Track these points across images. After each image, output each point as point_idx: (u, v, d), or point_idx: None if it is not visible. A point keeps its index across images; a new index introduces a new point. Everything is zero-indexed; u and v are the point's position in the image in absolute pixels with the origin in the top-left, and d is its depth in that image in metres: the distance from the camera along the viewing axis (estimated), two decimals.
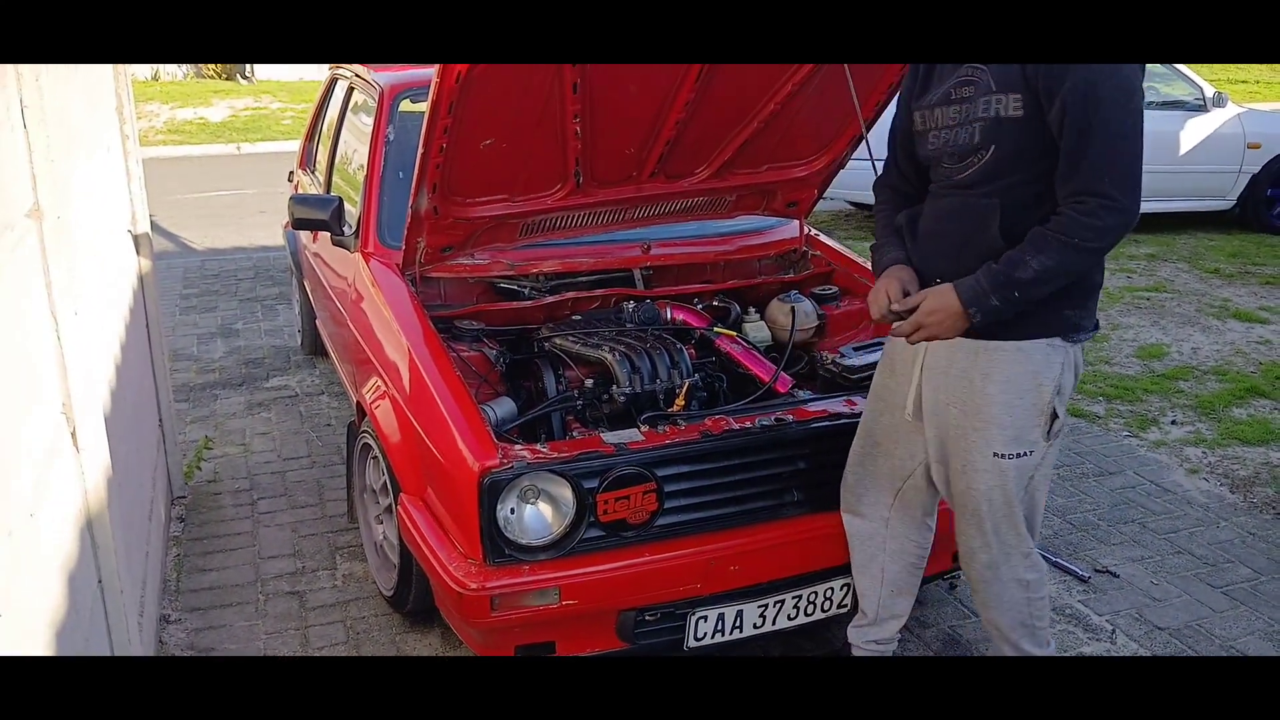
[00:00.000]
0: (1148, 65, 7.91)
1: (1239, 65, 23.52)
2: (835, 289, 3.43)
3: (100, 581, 1.96)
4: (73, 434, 1.84)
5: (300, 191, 4.97)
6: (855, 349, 3.02)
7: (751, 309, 3.31)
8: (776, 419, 2.58)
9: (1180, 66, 8.10)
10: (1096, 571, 3.35)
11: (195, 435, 4.31)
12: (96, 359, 2.15)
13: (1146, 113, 7.33)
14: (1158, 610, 3.15)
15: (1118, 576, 3.33)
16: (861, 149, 3.07)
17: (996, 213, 2.12)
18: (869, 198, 7.72)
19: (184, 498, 3.78)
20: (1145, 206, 7.53)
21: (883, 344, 3.02)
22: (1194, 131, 7.77)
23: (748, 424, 2.54)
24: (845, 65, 2.66)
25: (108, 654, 1.99)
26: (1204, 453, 4.25)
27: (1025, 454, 2.22)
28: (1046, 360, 2.18)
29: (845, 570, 2.64)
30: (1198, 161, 7.81)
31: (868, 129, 3.01)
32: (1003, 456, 2.20)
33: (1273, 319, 6.01)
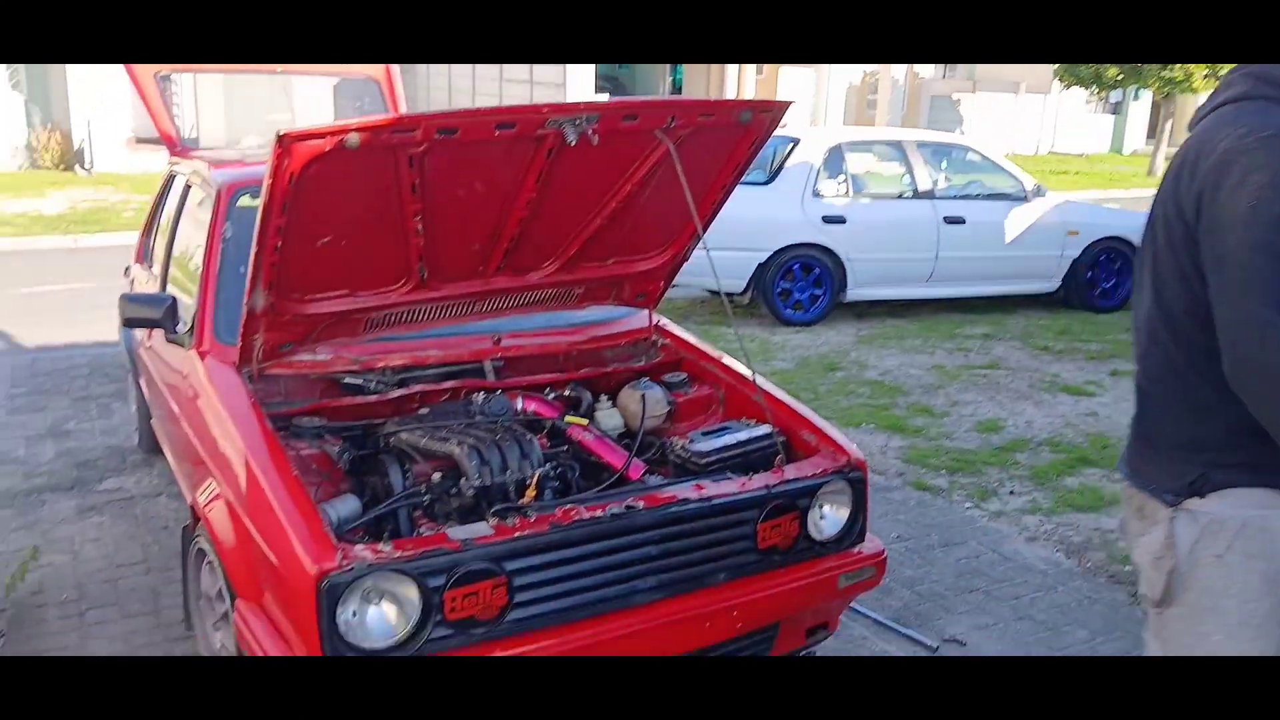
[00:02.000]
0: (971, 158, 8.34)
1: (1060, 157, 25.41)
2: (684, 375, 3.50)
3: None
4: None
5: (136, 288, 4.79)
6: (704, 434, 3.08)
7: (603, 397, 3.33)
8: (627, 506, 2.58)
9: (1003, 161, 8.69)
10: (944, 641, 3.45)
11: (20, 544, 4.03)
12: None
13: (974, 203, 7.80)
14: None
15: (964, 644, 3.43)
16: (708, 235, 3.18)
17: None
18: (724, 284, 7.75)
19: (4, 610, 3.51)
20: (979, 289, 7.96)
21: (729, 429, 3.09)
22: (1019, 220, 8.32)
23: (597, 512, 2.54)
24: (679, 168, 2.76)
25: None
26: (1041, 520, 4.47)
27: None
28: None
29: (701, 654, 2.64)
30: (1024, 247, 8.36)
31: (705, 228, 3.13)
32: None
33: (1099, 392, 6.41)
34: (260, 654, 2.36)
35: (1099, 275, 8.66)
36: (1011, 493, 4.76)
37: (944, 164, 8.75)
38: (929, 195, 8.18)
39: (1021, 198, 8.42)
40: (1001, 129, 25.89)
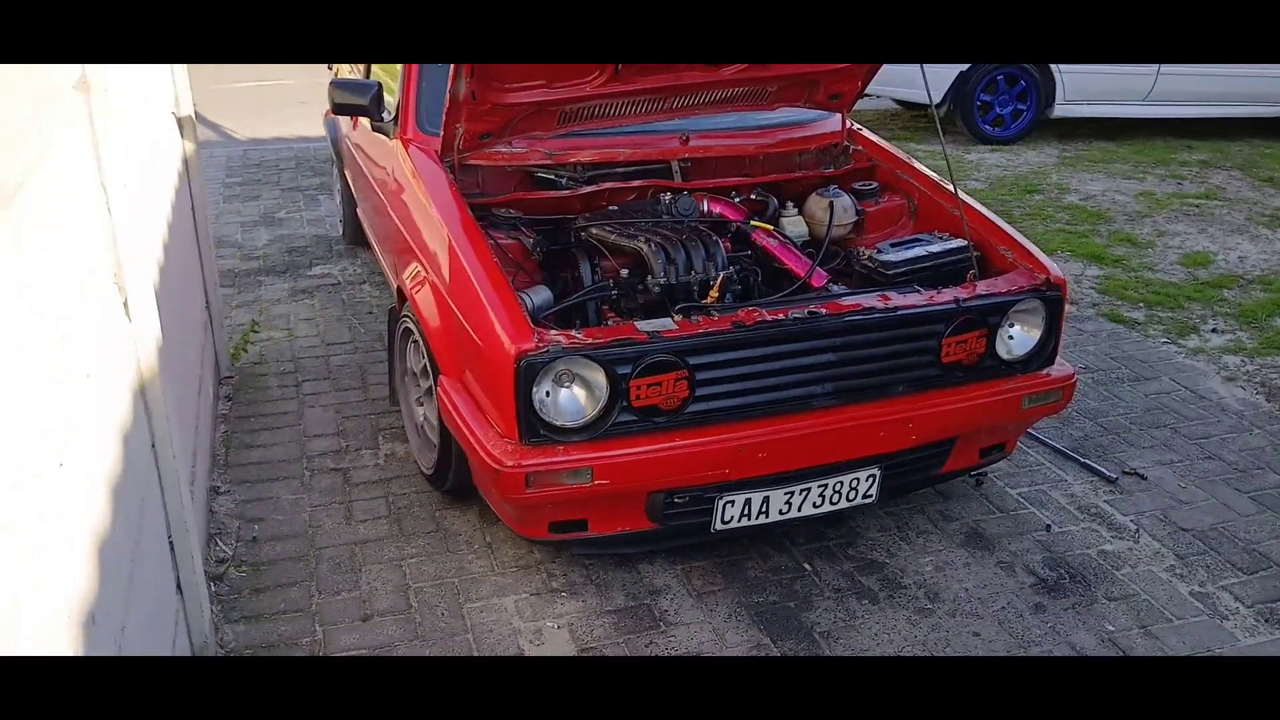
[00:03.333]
0: None
1: None
2: (875, 185, 3.40)
3: (154, 446, 2.05)
4: (124, 304, 1.91)
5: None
6: (893, 245, 3.02)
7: (789, 203, 3.30)
8: (809, 312, 2.60)
9: None
10: (1124, 473, 3.38)
11: (241, 319, 4.41)
12: (145, 234, 2.21)
13: None
14: (1183, 512, 3.18)
15: (1145, 479, 3.35)
16: None
17: None
18: (919, 95, 7.40)
19: (231, 378, 3.90)
20: (1201, 111, 7.31)
21: (920, 240, 3.02)
22: None
23: (780, 316, 2.57)
24: None
25: (161, 514, 2.09)
26: (1243, 361, 4.22)
27: None
28: None
29: (870, 462, 2.69)
30: (1260, 65, 7.53)
31: None
32: None
33: None
34: (463, 425, 2.55)
35: None
36: (1214, 330, 4.50)
37: None
38: None
39: None
40: None
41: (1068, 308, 4.58)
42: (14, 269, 1.23)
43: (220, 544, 2.91)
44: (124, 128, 2.02)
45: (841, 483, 2.70)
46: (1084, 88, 7.45)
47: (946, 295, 2.72)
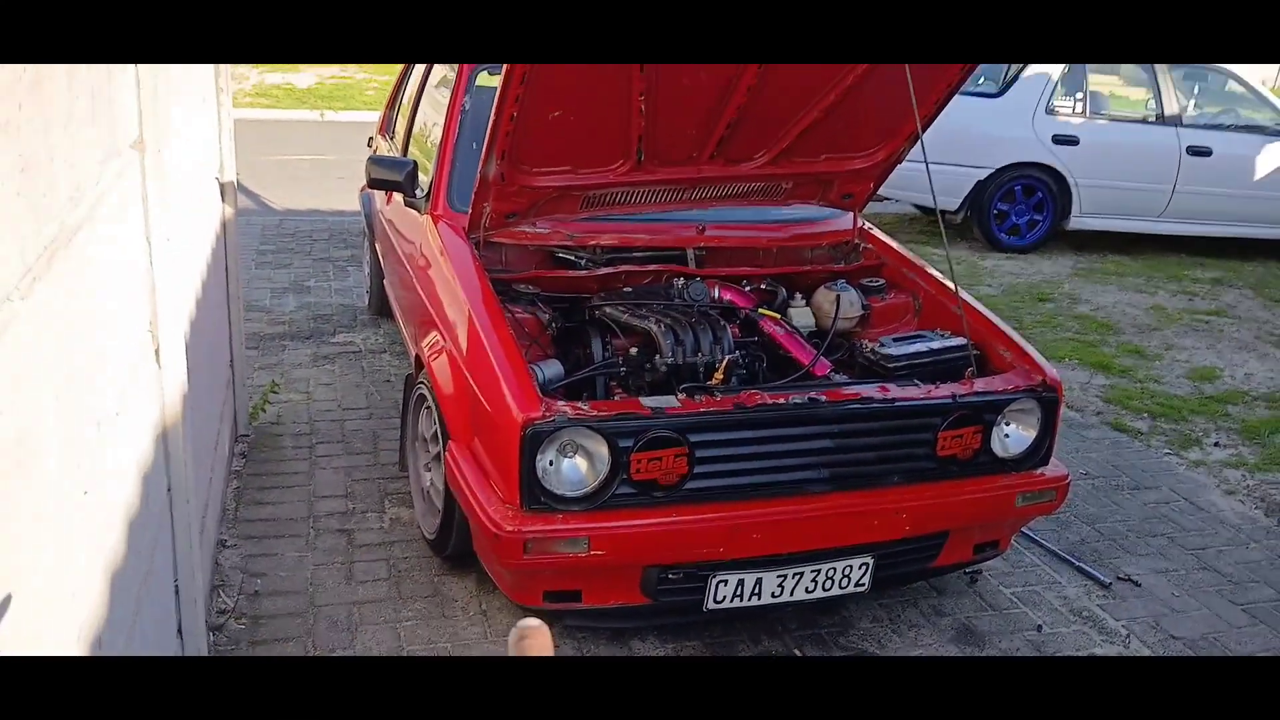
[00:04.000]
0: (1230, 87, 7.67)
1: None
2: (882, 282, 3.52)
3: (170, 490, 2.14)
4: (156, 351, 2.03)
5: (378, 154, 5.16)
6: (895, 340, 3.12)
7: (798, 295, 3.41)
8: (810, 398, 2.68)
9: (1265, 91, 7.97)
10: (1119, 579, 3.40)
11: (262, 380, 4.53)
12: (180, 287, 2.33)
13: (1223, 135, 7.20)
14: (1175, 620, 3.20)
15: (1139, 585, 3.38)
16: (917, 149, 3.16)
17: None
18: (939, 201, 7.46)
19: (248, 436, 4.00)
20: (1216, 230, 7.38)
21: (922, 336, 3.12)
22: (1272, 157, 7.64)
23: (781, 400, 2.66)
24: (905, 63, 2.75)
25: (170, 556, 2.17)
26: (1244, 475, 4.26)
27: None
28: None
29: (863, 550, 2.74)
30: (1274, 188, 7.69)
31: (924, 127, 3.10)
32: None
33: None
34: (467, 489, 2.63)
35: None
36: (1216, 444, 4.54)
37: (1196, 89, 8.09)
38: (1174, 121, 7.61)
39: (1279, 133, 7.71)
40: None
41: (1071, 413, 4.66)
42: (63, 304, 1.34)
43: (223, 595, 2.98)
44: (171, 187, 2.16)
45: (834, 569, 2.75)
46: (1100, 201, 7.62)
47: (944, 390, 2.81)
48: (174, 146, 2.32)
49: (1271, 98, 7.92)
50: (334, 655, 2.76)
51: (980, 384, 2.87)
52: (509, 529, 2.46)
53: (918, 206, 8.53)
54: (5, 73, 1.10)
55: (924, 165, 2.94)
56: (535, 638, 0.63)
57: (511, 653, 0.64)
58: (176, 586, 2.27)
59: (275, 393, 4.40)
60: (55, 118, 1.31)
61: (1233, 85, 8.13)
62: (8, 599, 1.10)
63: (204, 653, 2.46)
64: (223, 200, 3.61)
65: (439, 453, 3.00)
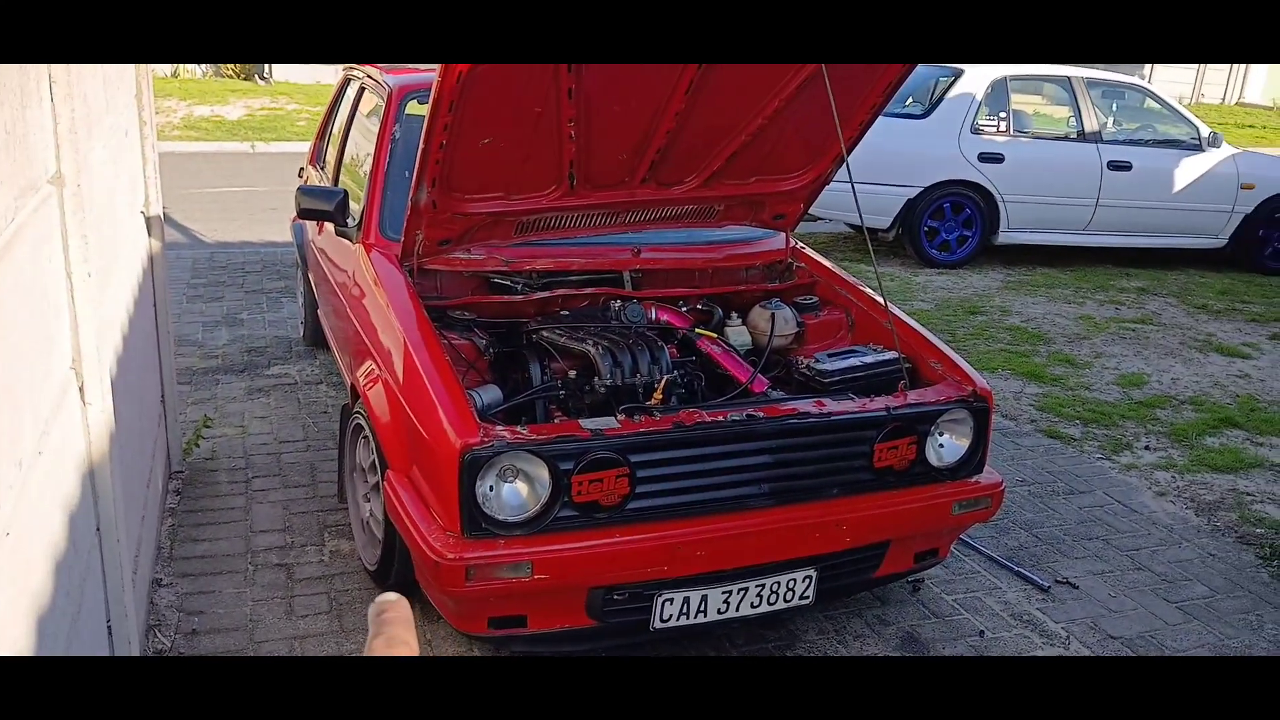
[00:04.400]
0: (1147, 104, 7.92)
1: (1247, 109, 23.69)
2: (815, 299, 3.57)
3: (99, 529, 2.09)
4: (80, 388, 1.98)
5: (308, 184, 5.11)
6: (830, 355, 3.16)
7: (734, 314, 3.44)
8: (748, 414, 2.71)
9: (1180, 107, 8.26)
10: (1057, 582, 3.47)
11: (195, 416, 4.45)
12: (106, 323, 2.29)
13: (1142, 150, 7.41)
14: (1112, 620, 3.27)
15: (1077, 588, 3.45)
16: (844, 170, 3.22)
17: None
18: (868, 220, 7.60)
19: (181, 473, 3.92)
20: (1139, 241, 7.60)
21: (855, 352, 3.17)
22: (1189, 170, 7.91)
23: (719, 418, 2.68)
24: (828, 86, 2.80)
25: (101, 596, 2.12)
26: (1173, 477, 4.37)
27: None
28: None
29: (806, 563, 2.77)
30: (1192, 200, 7.95)
31: (849, 149, 3.16)
32: None
33: (1255, 355, 6.13)
34: (407, 518, 2.61)
35: (1273, 234, 8.18)
36: (1147, 448, 4.66)
37: (1115, 106, 8.36)
38: (1095, 138, 7.85)
39: (1195, 146, 7.98)
40: (1189, 72, 24.25)
41: (1005, 422, 4.76)
42: None
43: (159, 635, 2.90)
44: (92, 221, 2.13)
45: (779, 583, 2.76)
46: (1026, 216, 7.82)
47: (878, 403, 2.85)
48: (95, 180, 2.28)
49: (1187, 113, 8.20)
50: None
51: (913, 396, 2.92)
52: (450, 557, 2.44)
53: (850, 225, 8.67)
54: None
55: (858, 185, 3.00)
56: (394, 609, 0.64)
57: (371, 626, 0.64)
58: (109, 626, 2.21)
59: (209, 428, 4.31)
60: None
61: (1150, 103, 8.42)
62: None
63: None
64: (149, 234, 3.55)
65: (377, 482, 2.97)
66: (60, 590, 1.70)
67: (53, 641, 1.62)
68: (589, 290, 3.36)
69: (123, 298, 2.82)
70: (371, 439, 2.98)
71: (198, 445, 4.14)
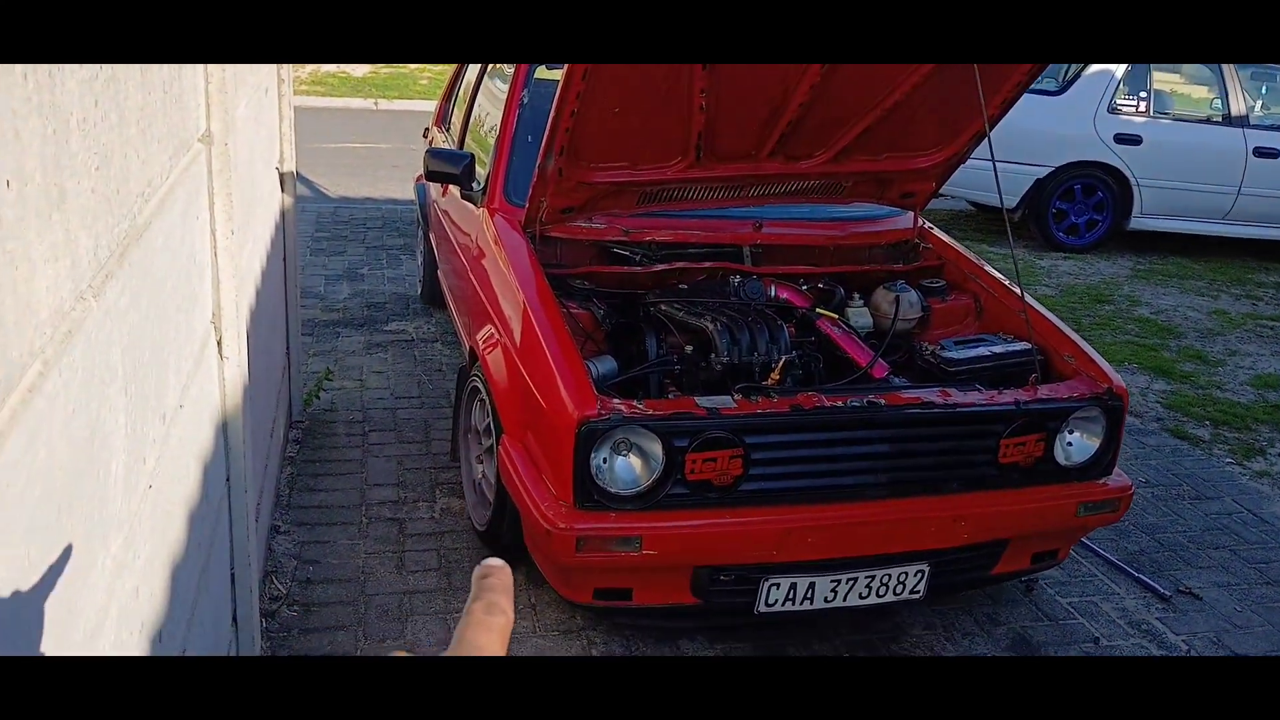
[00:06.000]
0: None
1: None
2: (943, 283, 3.45)
3: (228, 479, 2.16)
4: (219, 342, 2.04)
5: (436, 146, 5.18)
6: (956, 343, 3.06)
7: (856, 295, 3.36)
8: (868, 401, 2.64)
9: None
10: (1179, 592, 3.32)
11: (317, 367, 4.57)
12: (243, 278, 2.35)
13: None
14: (1237, 636, 3.11)
15: (1200, 599, 3.29)
16: (983, 147, 3.09)
17: None
18: (994, 199, 7.42)
19: (302, 422, 4.03)
20: None
21: (984, 340, 3.06)
22: None
23: (839, 403, 2.62)
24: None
25: (228, 545, 2.19)
26: None
27: None
28: None
29: (920, 557, 2.70)
30: None
31: (991, 126, 3.03)
32: None
33: None
34: (520, 484, 2.63)
35: None
36: None
37: (1264, 89, 7.87)
38: (1241, 122, 7.41)
39: None
40: None
41: (1130, 419, 4.56)
42: (132, 300, 1.34)
43: (276, 582, 3.00)
44: (236, 179, 2.17)
45: (889, 575, 2.70)
46: (1162, 202, 7.44)
47: (1007, 396, 2.75)
48: (239, 138, 2.33)
49: None
50: (365, 656, 2.77)
51: (1044, 390, 2.81)
52: (562, 526, 2.45)
53: (972, 203, 8.39)
54: (83, 71, 1.10)
55: (983, 163, 2.87)
56: (498, 575, 0.64)
57: (473, 587, 0.64)
58: (233, 575, 2.29)
59: (329, 380, 4.43)
60: (129, 113, 1.31)
61: None
62: (71, 598, 1.10)
63: (257, 639, 2.48)
64: (282, 190, 3.63)
65: (491, 445, 3.00)
66: (193, 542, 1.75)
67: (185, 593, 1.68)
68: (708, 264, 3.32)
69: (257, 252, 2.89)
70: (488, 402, 3.01)
71: (318, 397, 4.25)
